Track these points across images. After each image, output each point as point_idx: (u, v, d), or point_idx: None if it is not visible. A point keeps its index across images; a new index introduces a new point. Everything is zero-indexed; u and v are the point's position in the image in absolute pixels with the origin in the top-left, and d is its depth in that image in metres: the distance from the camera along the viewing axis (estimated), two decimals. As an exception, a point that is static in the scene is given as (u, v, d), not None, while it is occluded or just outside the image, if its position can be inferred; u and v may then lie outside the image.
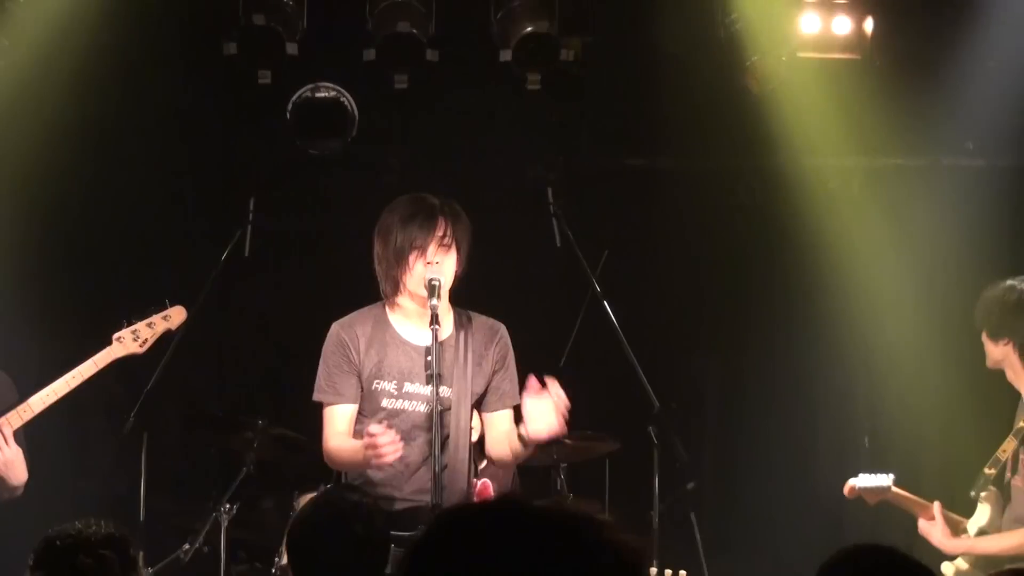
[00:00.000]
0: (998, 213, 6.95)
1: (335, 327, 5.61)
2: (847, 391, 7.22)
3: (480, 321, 5.63)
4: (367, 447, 5.07)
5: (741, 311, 7.43)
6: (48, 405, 5.84)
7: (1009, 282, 6.04)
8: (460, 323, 5.62)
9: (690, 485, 6.42)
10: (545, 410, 5.26)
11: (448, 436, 5.48)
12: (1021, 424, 5.86)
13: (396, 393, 5.48)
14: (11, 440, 5.74)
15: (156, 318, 5.97)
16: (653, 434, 6.21)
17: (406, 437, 5.28)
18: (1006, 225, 6.80)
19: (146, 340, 5.95)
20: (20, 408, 5.78)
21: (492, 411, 5.58)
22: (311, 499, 4.50)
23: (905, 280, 6.35)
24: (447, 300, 5.58)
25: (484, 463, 5.92)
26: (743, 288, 7.40)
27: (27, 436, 5.86)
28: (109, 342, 5.90)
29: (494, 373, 5.57)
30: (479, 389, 5.54)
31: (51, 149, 6.85)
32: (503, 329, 5.63)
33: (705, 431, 7.45)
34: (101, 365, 5.85)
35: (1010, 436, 5.88)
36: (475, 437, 5.65)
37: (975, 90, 6.93)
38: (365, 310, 5.59)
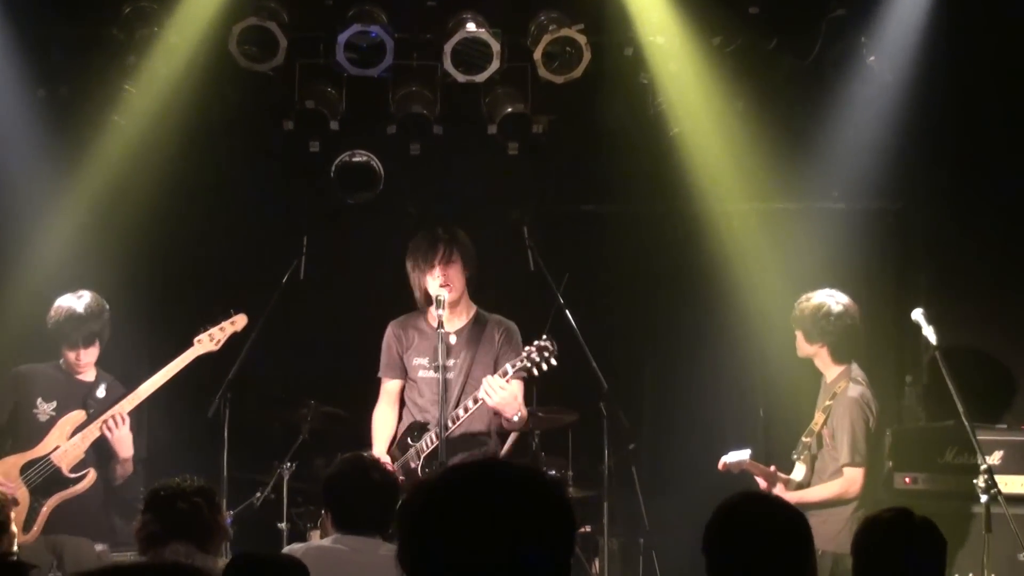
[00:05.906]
0: (856, 244, 6.98)
1: (390, 325, 6.05)
2: (746, 375, 7.23)
3: (494, 317, 6.00)
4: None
5: (669, 317, 7.45)
6: (150, 394, 5.89)
7: (821, 296, 5.91)
8: (478, 318, 5.92)
9: (631, 446, 6.49)
10: (502, 392, 5.59)
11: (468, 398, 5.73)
12: (827, 403, 5.81)
13: (427, 366, 5.87)
14: (126, 422, 5.76)
15: (225, 323, 6.05)
16: (603, 408, 6.20)
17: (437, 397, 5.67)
18: (861, 253, 6.83)
19: (219, 341, 6.02)
20: (130, 397, 5.86)
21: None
22: (341, 458, 4.57)
23: (787, 296, 6.33)
24: (467, 299, 5.94)
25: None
26: (670, 300, 7.42)
27: (137, 420, 5.94)
28: (191, 344, 5.94)
29: (500, 352, 5.84)
30: (490, 360, 5.81)
31: (154, 201, 6.88)
32: (511, 323, 6.00)
33: (642, 406, 7.45)
34: (186, 362, 5.91)
35: (818, 411, 5.85)
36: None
37: (839, 152, 6.94)
38: (413, 312, 6.01)
